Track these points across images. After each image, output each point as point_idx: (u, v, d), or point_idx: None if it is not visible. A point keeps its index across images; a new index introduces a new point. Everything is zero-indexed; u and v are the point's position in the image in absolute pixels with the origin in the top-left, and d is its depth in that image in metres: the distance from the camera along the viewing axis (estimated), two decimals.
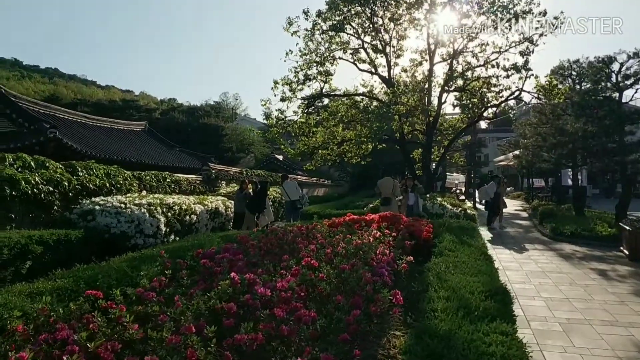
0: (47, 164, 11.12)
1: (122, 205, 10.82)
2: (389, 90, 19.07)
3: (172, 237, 11.65)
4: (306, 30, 19.56)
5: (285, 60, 19.16)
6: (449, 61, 20.47)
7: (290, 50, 18.96)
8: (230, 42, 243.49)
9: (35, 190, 9.94)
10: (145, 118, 52.29)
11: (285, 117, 18.73)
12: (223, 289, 3.80)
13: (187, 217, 12.62)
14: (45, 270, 7.80)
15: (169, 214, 11.84)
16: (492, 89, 20.67)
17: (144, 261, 5.91)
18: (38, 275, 7.39)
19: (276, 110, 18.72)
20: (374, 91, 20.85)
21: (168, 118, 60.23)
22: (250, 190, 16.44)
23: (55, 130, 20.92)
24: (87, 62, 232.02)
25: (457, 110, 24.51)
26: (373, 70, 20.94)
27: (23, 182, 9.56)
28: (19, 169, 10.11)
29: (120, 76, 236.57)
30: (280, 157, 43.22)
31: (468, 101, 21.25)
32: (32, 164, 10.67)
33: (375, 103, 20.17)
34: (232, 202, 15.07)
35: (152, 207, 11.26)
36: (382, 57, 20.84)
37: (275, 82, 18.33)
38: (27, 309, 3.66)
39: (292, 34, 18.97)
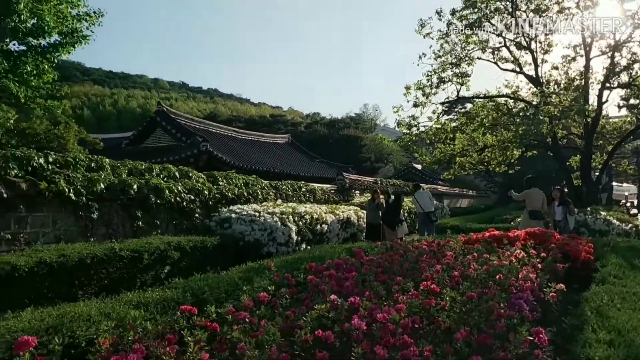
0: (190, 174, 11.89)
1: (256, 214, 11.07)
2: (536, 90, 17.09)
3: (304, 245, 11.64)
4: (439, 31, 18.47)
5: (418, 64, 18.16)
6: (609, 54, 17.66)
7: (423, 54, 18.05)
8: (374, 54, 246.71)
9: (178, 198, 10.62)
10: (291, 131, 55.04)
11: (419, 123, 17.84)
12: (318, 314, 3.34)
13: (318, 226, 12.54)
14: (182, 275, 8.22)
15: (301, 222, 11.86)
16: None
17: (258, 273, 5.73)
18: (175, 279, 7.77)
19: (408, 117, 17.88)
20: (520, 92, 18.87)
21: (311, 131, 62.71)
22: (383, 201, 15.92)
23: (207, 144, 22.71)
24: (243, 82, 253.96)
25: (624, 112, 21.19)
26: (517, 69, 18.98)
27: (167, 191, 10.27)
28: (165, 179, 10.92)
29: (271, 94, 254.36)
30: (419, 167, 42.02)
31: (636, 99, 18.15)
32: (177, 174, 11.47)
33: (520, 105, 18.24)
34: (365, 212, 14.71)
35: (284, 216, 11.37)
36: (527, 54, 18.78)
37: (407, 88, 17.58)
38: (127, 319, 3.59)
39: (424, 37, 18.07)
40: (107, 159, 9.97)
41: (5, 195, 7.06)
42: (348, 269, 5.35)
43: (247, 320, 3.58)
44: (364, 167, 48.79)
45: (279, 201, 13.69)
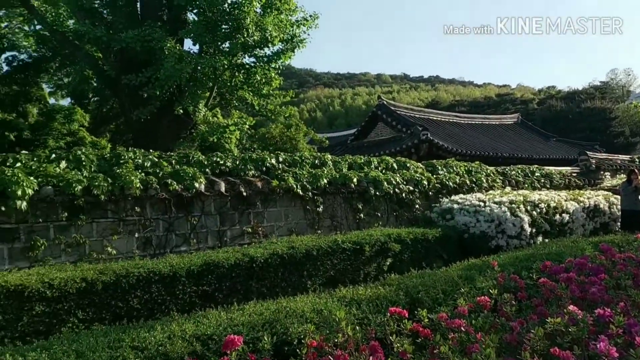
0: (408, 165, 11.73)
1: (481, 204, 10.28)
2: None
3: (540, 238, 10.34)
4: None
5: None
6: None
7: None
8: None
9: (397, 189, 10.56)
10: (521, 110, 50.61)
11: None
12: (551, 328, 2.68)
13: (557, 216, 10.97)
14: (403, 268, 8.10)
15: (534, 212, 10.55)
16: None
17: (481, 271, 5.15)
18: (397, 272, 7.69)
19: None
20: None
21: (545, 107, 56.52)
22: None
23: (427, 133, 22.32)
24: (464, 66, 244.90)
25: None
26: None
27: (385, 183, 10.29)
28: (382, 171, 10.97)
29: (496, 73, 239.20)
30: None
31: None
32: (394, 165, 11.43)
33: None
34: (618, 197, 12.36)
35: (514, 205, 10.27)
36: None
37: None
38: (334, 319, 3.51)
39: None
40: (329, 156, 10.50)
41: (245, 194, 7.97)
42: (594, 270, 4.37)
43: (462, 329, 3.12)
44: (616, 144, 41.65)
45: (508, 189, 12.48)
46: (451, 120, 30.10)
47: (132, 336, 3.32)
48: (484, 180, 12.75)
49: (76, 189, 6.16)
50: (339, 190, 9.58)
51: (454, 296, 4.29)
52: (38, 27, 13.48)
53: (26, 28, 15.33)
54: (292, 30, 11.33)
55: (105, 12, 11.65)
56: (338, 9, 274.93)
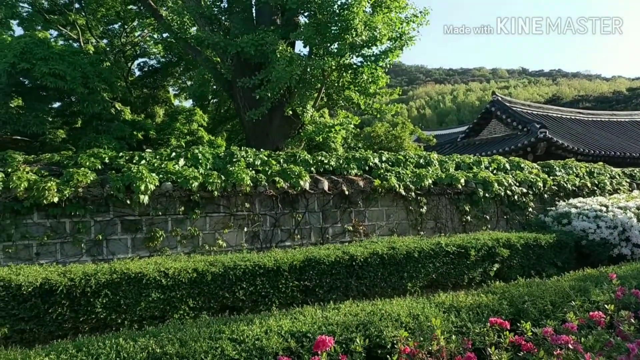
0: (522, 165, 11.09)
1: (603, 208, 9.46)
2: None
3: None
4: None
5: None
6: None
7: None
8: None
9: (508, 191, 10.03)
10: None
11: None
12: None
13: None
14: (512, 274, 7.72)
15: None
16: None
17: (597, 283, 4.75)
18: (504, 278, 7.35)
19: None
20: None
21: None
22: None
23: (545, 130, 20.83)
24: (590, 57, 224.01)
25: None
26: None
27: (496, 184, 9.82)
28: (494, 171, 10.49)
29: (629, 64, 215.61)
30: None
31: None
32: (507, 165, 10.87)
33: None
34: None
35: None
36: None
37: None
38: (430, 326, 3.46)
39: None
40: (435, 155, 10.27)
41: (347, 192, 8.10)
42: None
43: (570, 346, 2.94)
44: None
45: (636, 192, 11.29)
46: (573, 117, 27.72)
47: (232, 329, 3.55)
48: (608, 183, 11.65)
49: (193, 185, 6.72)
50: (444, 191, 9.34)
51: (564, 309, 4.02)
52: (165, 35, 14.78)
53: (155, 36, 16.94)
54: (402, 27, 11.18)
55: (223, 18, 12.46)
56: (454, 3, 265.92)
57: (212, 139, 10.32)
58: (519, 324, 3.30)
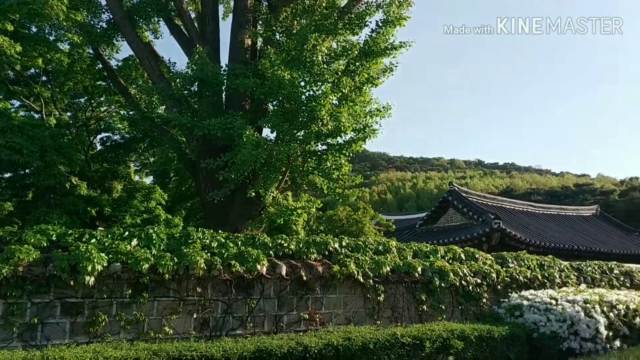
0: (476, 255, 11.36)
1: (553, 302, 9.72)
2: None
3: (617, 343, 9.46)
4: None
5: None
6: None
7: None
8: None
9: (463, 282, 10.18)
10: (601, 201, 48.01)
11: None
12: None
13: (638, 319, 10.07)
14: None
15: (611, 314, 9.77)
16: None
17: None
18: None
19: None
20: None
21: (628, 199, 53.45)
22: None
23: (499, 221, 21.65)
24: (540, 154, 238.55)
25: None
26: None
27: (451, 274, 9.98)
28: (449, 261, 10.68)
29: (575, 162, 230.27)
30: None
31: None
32: (462, 255, 11.10)
33: None
34: None
35: (588, 305, 9.59)
36: None
37: None
38: None
39: None
40: (393, 242, 10.43)
41: (305, 278, 8.05)
42: None
43: None
44: None
45: (583, 286, 11.68)
46: (525, 209, 29.01)
47: None
48: (557, 276, 12.04)
49: (143, 267, 6.50)
50: (401, 279, 9.40)
51: None
52: (132, 112, 15.01)
53: (122, 112, 17.09)
54: (366, 120, 11.80)
55: (192, 100, 12.85)
56: (414, 94, 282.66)
57: (169, 217, 10.20)
58: None
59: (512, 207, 28.31)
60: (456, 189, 26.79)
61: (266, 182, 10.88)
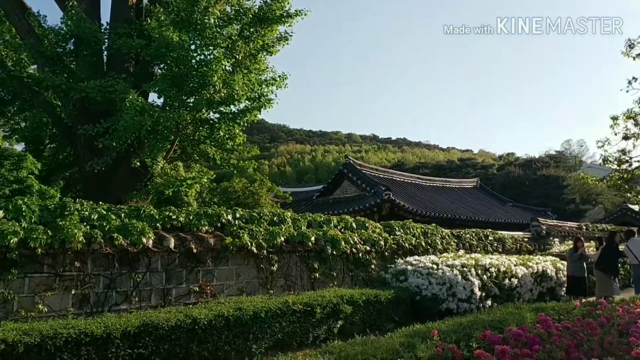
0: (366, 224, 11.80)
1: (434, 266, 10.37)
2: None
3: (489, 302, 10.44)
4: None
5: (627, 91, 15.37)
6: None
7: (633, 78, 15.29)
8: (575, 85, 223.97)
9: (354, 249, 10.56)
10: (481, 175, 52.31)
11: (631, 158, 14.94)
12: None
13: (507, 281, 11.18)
14: (355, 330, 7.96)
15: (485, 276, 10.72)
16: None
17: (424, 338, 5.11)
18: (347, 335, 7.54)
19: (617, 151, 15.13)
20: None
21: (504, 173, 58.68)
22: (592, 249, 13.62)
23: (389, 193, 22.68)
24: (430, 130, 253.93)
25: None
26: None
27: (343, 242, 10.29)
28: (342, 230, 11.00)
29: (460, 138, 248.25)
30: (636, 208, 35.47)
31: None
32: (354, 224, 11.48)
33: None
34: (565, 263, 12.71)
35: (465, 269, 10.41)
36: None
37: (614, 119, 14.96)
38: None
39: (633, 58, 15.36)
40: (288, 213, 10.46)
41: (195, 250, 7.80)
42: (531, 340, 4.40)
43: None
44: (567, 211, 43.33)
45: (461, 252, 12.69)
46: (414, 181, 30.75)
47: None
48: (439, 243, 12.93)
49: (11, 241, 5.86)
50: (295, 249, 9.50)
51: None
52: None
53: None
54: (261, 89, 11.52)
55: (68, 60, 11.65)
56: (313, 67, 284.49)
57: (44, 188, 9.23)
58: None
59: (402, 180, 29.84)
60: (351, 162, 27.61)
61: (152, 151, 10.28)
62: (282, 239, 9.17)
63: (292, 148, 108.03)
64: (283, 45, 11.91)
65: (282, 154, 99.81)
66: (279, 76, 11.91)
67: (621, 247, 12.03)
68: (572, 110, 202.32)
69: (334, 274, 10.15)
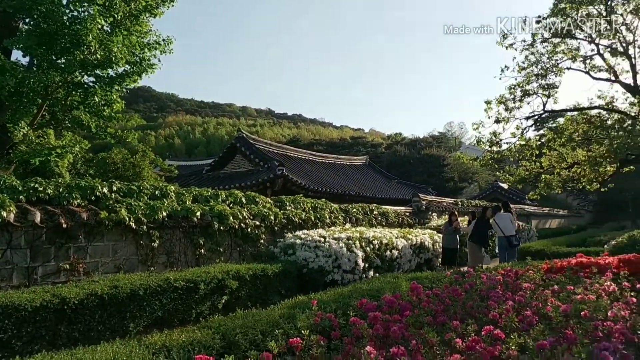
0: (257, 199, 11.72)
1: (322, 239, 10.61)
2: (635, 100, 15.22)
3: (372, 273, 10.97)
4: (524, 41, 17.09)
5: (500, 78, 16.86)
6: None
7: (505, 67, 16.75)
8: (457, 69, 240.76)
9: (242, 224, 10.44)
10: (371, 153, 54.60)
11: (501, 140, 16.49)
12: None
13: (388, 252, 11.81)
14: (241, 305, 7.90)
15: (368, 248, 11.22)
16: None
17: (305, 309, 5.20)
18: (233, 310, 7.46)
19: (490, 133, 16.61)
20: (615, 102, 16.90)
21: (392, 152, 61.75)
22: (465, 223, 14.83)
23: (283, 168, 22.77)
24: (325, 108, 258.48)
25: None
26: (612, 77, 17.07)
27: (231, 217, 10.11)
28: (230, 205, 10.80)
29: (353, 117, 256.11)
30: (505, 186, 39.62)
31: None
32: (243, 199, 11.34)
33: (616, 116, 16.35)
34: (441, 235, 13.76)
35: (350, 242, 10.79)
36: (624, 60, 16.84)
37: (488, 103, 16.36)
38: None
39: (506, 48, 16.83)
40: (172, 187, 10.02)
41: (65, 225, 7.16)
42: (403, 307, 4.66)
43: None
44: (447, 188, 46.98)
45: (348, 225, 13.16)
46: (307, 158, 31.19)
47: None
48: (328, 217, 13.27)
49: None
50: (179, 224, 9.14)
51: (275, 336, 4.24)
52: None
53: None
54: (143, 53, 10.74)
55: None
56: (207, 34, 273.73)
57: None
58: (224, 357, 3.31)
59: (296, 156, 30.12)
60: (244, 135, 27.23)
61: (15, 115, 9.17)
62: (165, 214, 8.76)
63: (182, 119, 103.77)
64: (168, 6, 11.14)
65: (171, 125, 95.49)
66: (164, 40, 11.18)
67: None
68: (457, 94, 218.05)
69: (221, 249, 9.98)
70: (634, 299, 4.97)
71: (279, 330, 4.14)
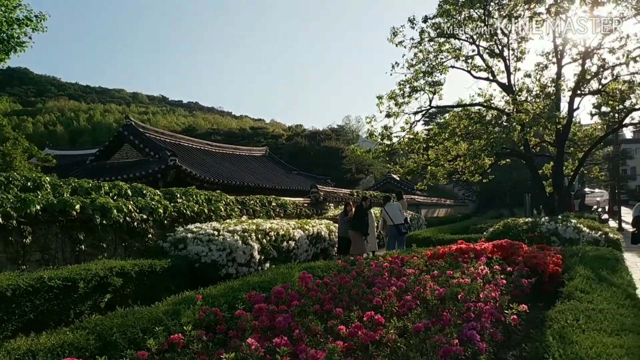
0: (144, 192, 11.10)
1: (215, 233, 10.32)
2: (509, 98, 16.87)
3: (267, 265, 10.93)
4: (412, 39, 18.12)
5: (391, 74, 17.69)
6: (580, 61, 17.68)
7: (396, 63, 17.61)
8: (356, 65, 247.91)
9: (128, 218, 9.82)
10: (272, 144, 54.49)
11: (391, 134, 17.36)
12: None
13: (285, 243, 11.85)
14: (126, 304, 7.45)
15: (264, 240, 11.14)
16: (638, 89, 17.35)
17: (190, 305, 5.02)
18: (116, 309, 7.01)
19: (381, 127, 17.43)
20: (493, 100, 18.63)
21: (292, 143, 62.12)
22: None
23: (175, 158, 21.88)
24: (224, 96, 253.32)
25: (597, 119, 21.19)
26: (490, 77, 18.77)
27: (115, 211, 9.46)
28: (114, 197, 10.12)
29: (254, 106, 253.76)
30: (397, 177, 41.87)
31: (607, 106, 18.15)
32: (129, 191, 10.68)
33: (493, 112, 18.03)
34: (337, 225, 14.11)
35: (246, 234, 10.62)
36: (500, 62, 18.62)
37: (380, 98, 17.14)
38: None
39: (396, 45, 17.69)
40: (47, 178, 9.16)
41: None
42: (291, 297, 4.68)
43: None
44: (345, 179, 48.39)
45: (244, 217, 12.97)
46: (203, 148, 30.27)
47: None
48: (223, 209, 12.97)
49: None
50: (56, 219, 8.37)
51: (159, 333, 4.04)
52: None
53: None
54: (11, 30, 9.63)
55: None
56: (97, 11, 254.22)
57: None
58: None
59: (191, 145, 29.10)
60: (133, 123, 25.64)
61: None
62: (38, 207, 7.96)
63: (65, 104, 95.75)
64: None
65: (52, 111, 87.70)
66: (36, 16, 10.12)
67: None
68: (356, 88, 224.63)
69: (104, 245, 9.32)
70: (504, 281, 5.46)
71: (160, 327, 3.95)
